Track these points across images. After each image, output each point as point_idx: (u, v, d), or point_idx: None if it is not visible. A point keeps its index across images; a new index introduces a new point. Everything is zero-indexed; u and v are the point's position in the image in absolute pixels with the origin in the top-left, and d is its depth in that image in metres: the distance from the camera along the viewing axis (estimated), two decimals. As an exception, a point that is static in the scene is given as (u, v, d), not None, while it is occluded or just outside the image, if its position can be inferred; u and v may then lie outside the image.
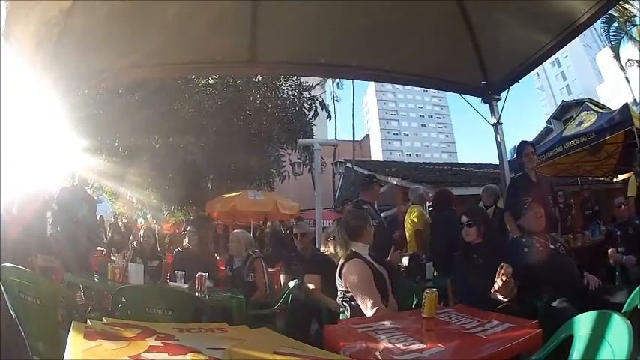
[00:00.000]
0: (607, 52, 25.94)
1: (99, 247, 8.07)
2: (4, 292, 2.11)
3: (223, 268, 4.88)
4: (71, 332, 1.35)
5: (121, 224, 12.40)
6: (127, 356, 1.19)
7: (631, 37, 18.87)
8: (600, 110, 8.52)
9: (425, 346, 1.73)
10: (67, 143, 10.00)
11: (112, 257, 5.52)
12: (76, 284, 5.10)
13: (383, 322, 2.14)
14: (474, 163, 19.32)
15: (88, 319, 1.56)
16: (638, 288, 2.06)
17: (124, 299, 2.51)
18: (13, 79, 3.48)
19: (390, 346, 1.72)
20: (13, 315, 2.04)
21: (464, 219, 3.30)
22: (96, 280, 4.59)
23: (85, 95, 9.52)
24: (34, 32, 3.66)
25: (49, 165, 6.26)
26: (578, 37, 4.47)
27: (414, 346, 1.71)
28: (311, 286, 3.68)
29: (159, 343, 1.37)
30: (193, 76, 10.44)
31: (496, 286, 2.53)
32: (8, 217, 4.71)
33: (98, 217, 8.39)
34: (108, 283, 4.19)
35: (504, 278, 2.46)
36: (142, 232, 5.33)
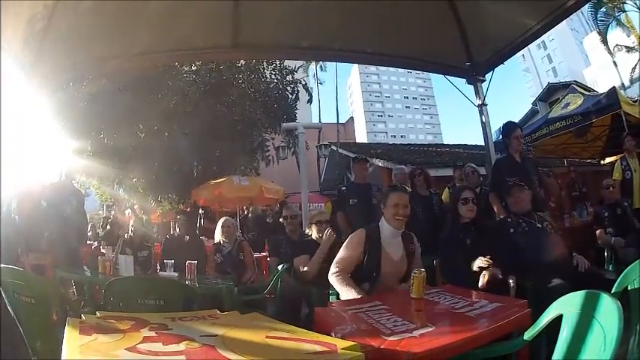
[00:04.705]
0: (594, 37, 26.17)
1: (88, 242, 8.02)
2: (3, 293, 2.11)
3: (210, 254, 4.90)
4: (67, 328, 1.36)
5: (109, 216, 12.33)
6: (122, 348, 1.21)
7: (619, 23, 19.00)
8: (587, 93, 8.61)
9: (414, 325, 1.76)
10: (53, 138, 9.90)
11: (102, 250, 5.50)
12: (68, 280, 5.10)
13: (373, 304, 2.17)
14: (460, 144, 19.49)
15: (82, 315, 1.57)
16: (627, 269, 2.07)
17: (115, 292, 2.51)
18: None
19: (379, 327, 1.75)
20: (12, 315, 2.04)
21: (469, 194, 3.26)
22: (87, 274, 4.56)
23: (69, 88, 9.38)
24: (20, 30, 3.60)
25: (36, 162, 6.19)
26: (564, 21, 4.49)
27: (404, 327, 1.74)
28: (301, 267, 3.67)
29: (153, 333, 1.39)
30: (176, 64, 10.29)
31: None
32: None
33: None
34: (99, 276, 4.16)
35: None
36: (130, 223, 5.31)
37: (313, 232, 4.01)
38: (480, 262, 2.67)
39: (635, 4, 17.91)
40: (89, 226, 10.24)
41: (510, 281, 2.66)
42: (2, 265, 2.29)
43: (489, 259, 2.72)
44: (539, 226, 3.39)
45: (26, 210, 5.28)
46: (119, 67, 7.23)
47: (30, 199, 5.30)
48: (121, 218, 11.95)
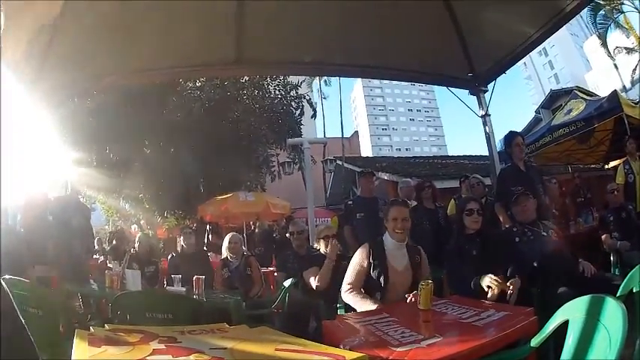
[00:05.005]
0: (594, 40, 26.24)
1: (95, 256, 8.05)
2: (14, 304, 2.12)
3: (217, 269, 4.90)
4: (75, 340, 1.36)
5: (115, 230, 12.37)
6: (132, 360, 1.22)
7: (618, 25, 19.07)
8: (589, 98, 8.52)
9: (422, 336, 1.76)
10: (59, 153, 10.00)
11: (109, 265, 5.51)
12: (75, 293, 5.11)
13: (381, 316, 2.18)
14: (464, 155, 19.45)
15: (90, 327, 1.57)
16: (632, 272, 2.07)
17: (123, 306, 2.52)
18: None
19: (387, 338, 1.75)
20: (25, 326, 2.04)
21: (474, 205, 3.25)
22: (94, 288, 4.57)
23: (74, 104, 9.50)
24: (22, 47, 3.66)
25: (43, 176, 6.24)
26: (564, 26, 4.51)
27: (412, 337, 1.74)
28: (313, 279, 3.64)
29: (162, 346, 1.39)
30: (181, 80, 10.41)
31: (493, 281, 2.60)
32: (4, 228, 4.70)
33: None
34: (106, 290, 4.17)
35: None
36: (137, 238, 5.33)
37: (321, 247, 4.03)
38: (488, 282, 2.66)
39: (633, 4, 17.98)
40: (95, 240, 10.30)
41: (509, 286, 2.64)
42: (8, 277, 2.31)
43: (499, 278, 2.72)
44: (545, 234, 3.39)
45: (32, 223, 5.31)
46: (121, 83, 7.35)
47: (35, 212, 5.34)
48: (127, 233, 12.02)
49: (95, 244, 9.83)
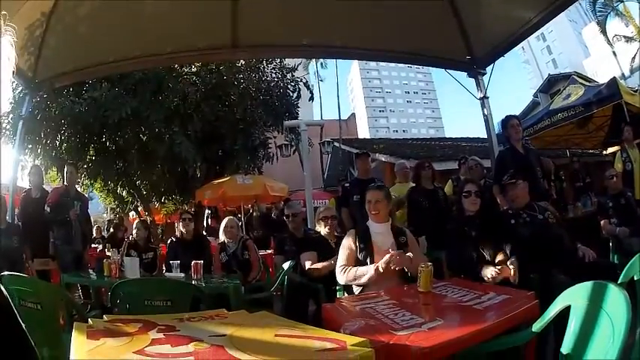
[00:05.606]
0: (593, 27, 26.09)
1: (93, 245, 8.05)
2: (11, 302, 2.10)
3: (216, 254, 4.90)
4: (74, 333, 1.34)
5: (114, 219, 12.41)
6: (131, 352, 1.20)
7: (618, 13, 18.90)
8: (587, 84, 8.53)
9: (423, 320, 1.76)
10: (55, 144, 9.98)
11: (107, 253, 5.50)
12: (74, 284, 5.13)
13: (381, 298, 2.18)
14: (462, 137, 19.44)
15: (89, 319, 1.56)
16: (633, 259, 2.05)
17: (122, 294, 2.52)
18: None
19: (388, 321, 1.75)
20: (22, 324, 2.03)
21: (472, 187, 3.28)
22: (93, 277, 4.57)
23: (70, 93, 9.43)
24: (18, 37, 3.61)
25: (39, 168, 6.21)
26: (563, 12, 4.46)
27: (413, 321, 1.73)
28: (308, 263, 3.69)
29: (161, 335, 1.38)
30: (177, 65, 10.32)
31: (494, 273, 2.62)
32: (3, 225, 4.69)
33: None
34: (105, 279, 4.17)
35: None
36: (134, 225, 5.31)
37: (321, 228, 4.06)
38: (490, 274, 2.67)
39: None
40: (94, 229, 10.31)
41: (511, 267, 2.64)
42: (7, 273, 2.29)
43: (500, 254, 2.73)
44: (541, 217, 3.38)
45: (30, 216, 5.30)
46: (118, 72, 7.28)
47: (33, 205, 5.32)
48: (125, 220, 12.02)
49: (94, 233, 9.84)
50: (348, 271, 2.86)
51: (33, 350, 0.92)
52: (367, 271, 2.74)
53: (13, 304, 0.93)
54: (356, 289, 2.88)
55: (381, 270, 2.62)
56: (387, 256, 2.61)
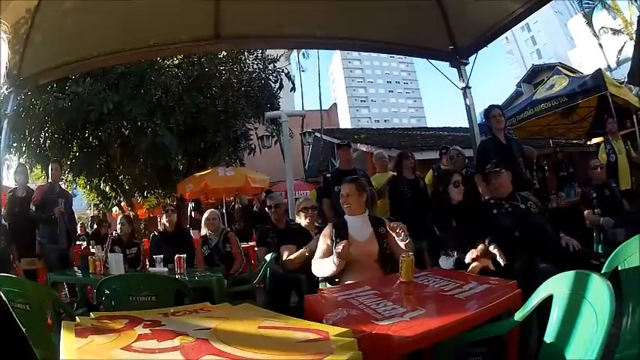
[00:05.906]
0: (579, 18, 26.14)
1: (78, 242, 7.96)
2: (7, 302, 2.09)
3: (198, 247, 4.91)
4: (62, 332, 1.35)
5: (97, 215, 12.27)
6: (119, 348, 1.22)
7: (605, 6, 18.99)
8: (572, 75, 8.60)
9: (405, 309, 1.77)
10: (39, 141, 9.83)
11: (92, 250, 5.46)
12: (60, 282, 5.11)
13: (362, 289, 2.19)
14: (444, 127, 19.56)
15: (76, 317, 1.57)
16: (617, 249, 2.04)
17: (107, 291, 2.52)
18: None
19: (370, 312, 1.76)
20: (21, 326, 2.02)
21: (459, 177, 3.29)
22: (78, 275, 4.54)
23: (54, 89, 9.28)
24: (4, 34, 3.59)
25: (24, 167, 6.12)
26: (549, 3, 4.46)
27: (394, 311, 1.75)
28: (285, 255, 3.71)
29: (147, 330, 1.39)
30: (159, 58, 10.20)
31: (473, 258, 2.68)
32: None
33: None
34: (90, 276, 4.15)
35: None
36: (118, 220, 5.28)
37: (301, 219, 4.08)
38: (471, 255, 2.73)
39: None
40: (78, 225, 10.20)
41: (495, 251, 2.71)
42: None
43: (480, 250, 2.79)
44: (523, 206, 3.41)
45: (16, 216, 5.22)
46: (100, 66, 7.18)
47: (19, 205, 5.25)
48: (108, 216, 11.89)
49: (78, 230, 9.73)
50: (315, 262, 2.94)
51: (33, 350, 0.94)
52: (328, 263, 2.77)
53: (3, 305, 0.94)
54: (338, 280, 2.90)
55: (336, 262, 2.66)
56: (339, 246, 2.65)
